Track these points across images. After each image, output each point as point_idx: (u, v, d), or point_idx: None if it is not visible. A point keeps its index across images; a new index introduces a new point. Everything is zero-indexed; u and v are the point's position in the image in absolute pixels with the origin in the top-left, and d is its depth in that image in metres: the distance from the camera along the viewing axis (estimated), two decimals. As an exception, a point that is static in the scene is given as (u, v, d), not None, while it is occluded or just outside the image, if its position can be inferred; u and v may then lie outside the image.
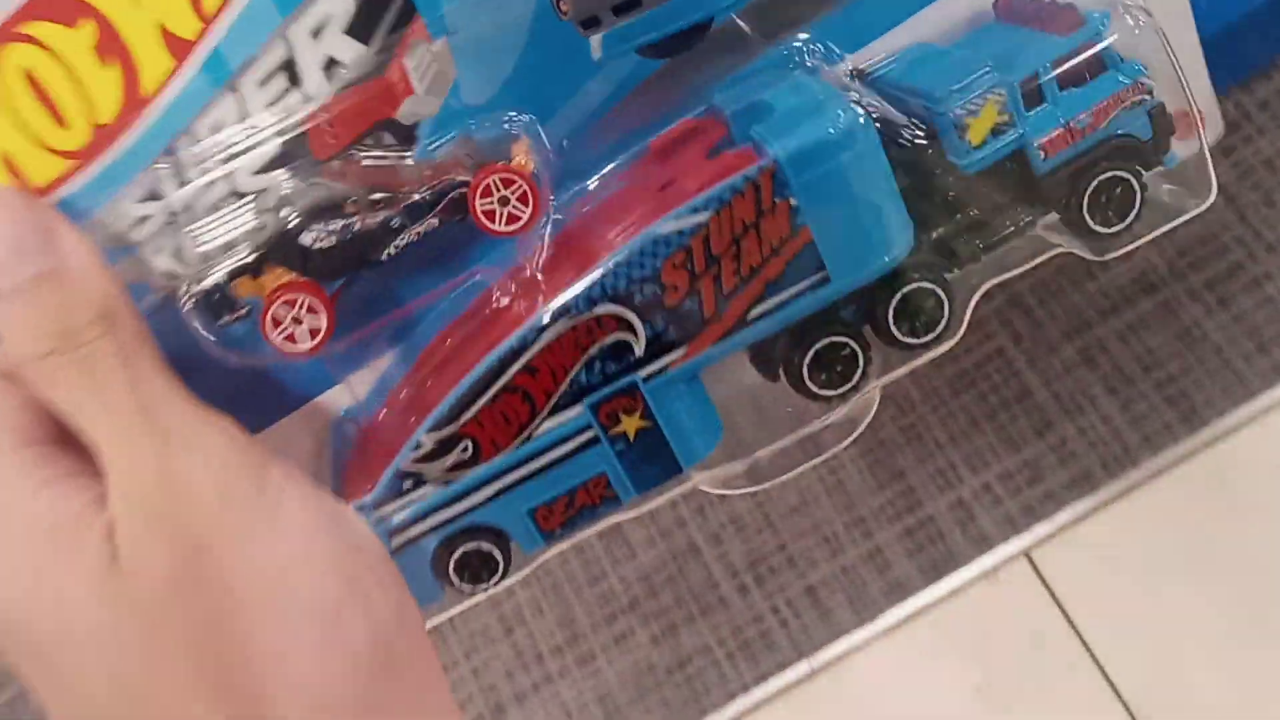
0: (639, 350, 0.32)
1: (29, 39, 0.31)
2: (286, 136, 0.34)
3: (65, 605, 0.27)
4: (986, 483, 0.80)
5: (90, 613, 0.27)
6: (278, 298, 0.31)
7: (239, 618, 0.26)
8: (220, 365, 0.34)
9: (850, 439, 0.44)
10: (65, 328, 0.28)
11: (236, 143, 0.33)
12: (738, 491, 0.39)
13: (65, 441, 0.30)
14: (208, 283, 0.32)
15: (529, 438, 0.30)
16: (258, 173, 0.33)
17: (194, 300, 0.33)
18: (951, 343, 0.45)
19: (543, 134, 0.37)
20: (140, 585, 0.27)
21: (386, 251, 0.32)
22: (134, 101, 0.33)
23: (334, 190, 0.32)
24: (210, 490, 0.27)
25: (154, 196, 0.33)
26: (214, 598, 0.26)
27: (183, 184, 0.33)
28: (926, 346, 0.42)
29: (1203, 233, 0.81)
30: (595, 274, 0.32)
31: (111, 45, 0.32)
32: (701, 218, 0.34)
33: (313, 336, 0.31)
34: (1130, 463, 0.78)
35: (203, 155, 0.33)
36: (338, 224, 0.31)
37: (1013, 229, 0.44)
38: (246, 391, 0.34)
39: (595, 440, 0.31)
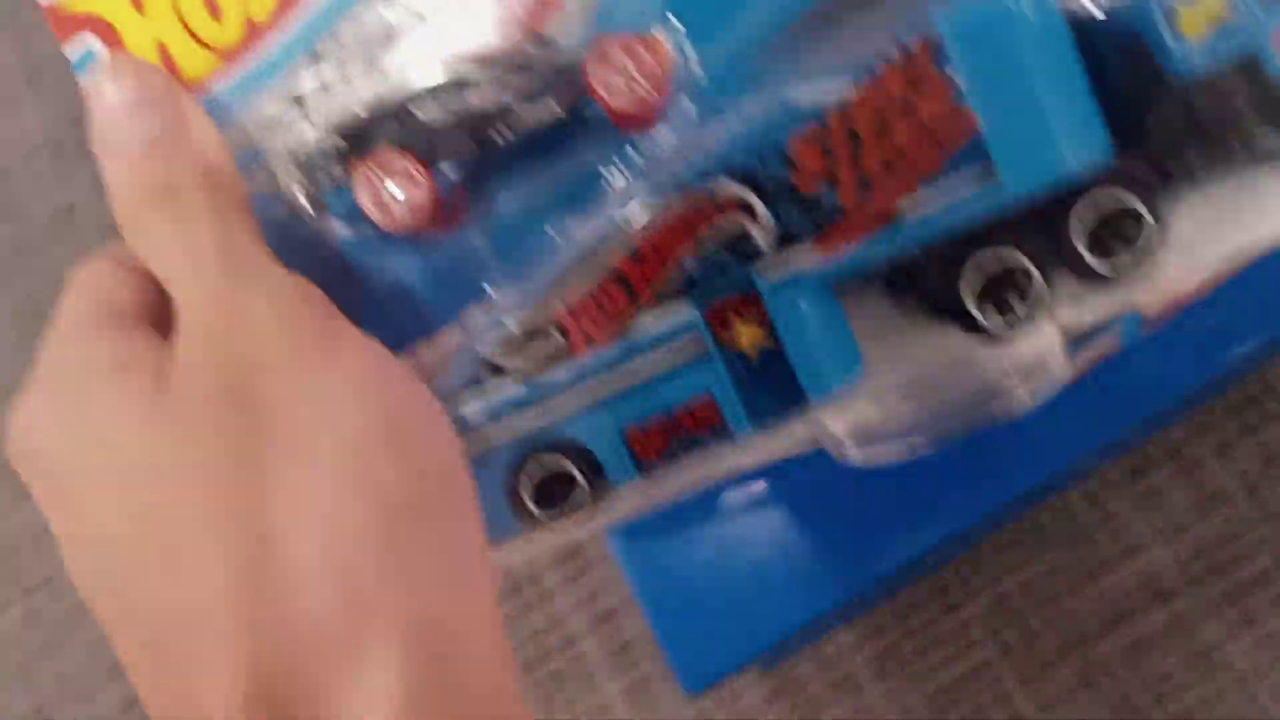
0: (762, 242, 0.26)
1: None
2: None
3: (105, 429, 0.27)
4: (969, 840, 0.68)
5: (127, 434, 0.27)
6: (376, 164, 0.29)
7: (271, 445, 0.25)
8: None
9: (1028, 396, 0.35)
10: (168, 183, 0.29)
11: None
12: (882, 455, 0.34)
13: (158, 324, 0.30)
14: (319, 142, 0.31)
15: (627, 336, 0.26)
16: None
17: (300, 160, 0.31)
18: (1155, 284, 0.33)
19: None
20: (182, 404, 0.26)
21: (502, 134, 0.29)
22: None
23: (460, 70, 0.30)
24: (272, 323, 0.27)
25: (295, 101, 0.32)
26: (250, 421, 0.26)
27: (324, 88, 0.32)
28: (1120, 279, 0.33)
29: (1222, 531, 0.69)
30: (715, 142, 0.27)
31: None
32: (842, 86, 0.28)
33: (412, 206, 0.28)
34: (1141, 826, 0.66)
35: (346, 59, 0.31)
36: (456, 101, 0.30)
37: (1247, 149, 0.33)
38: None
39: (704, 350, 0.26)
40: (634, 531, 0.59)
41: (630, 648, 0.77)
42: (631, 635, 0.77)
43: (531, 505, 0.29)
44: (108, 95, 0.31)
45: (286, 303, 0.28)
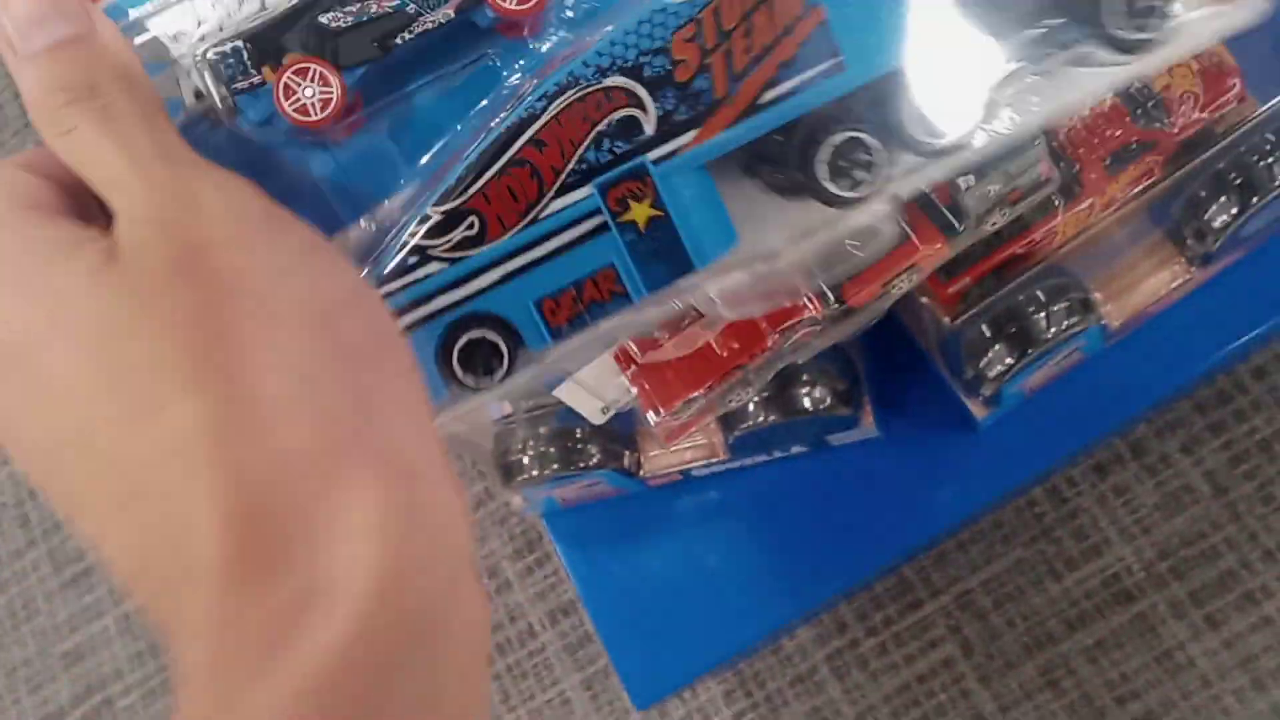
0: (649, 129, 0.30)
1: None
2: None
3: (56, 299, 0.27)
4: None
5: (81, 301, 0.27)
6: (290, 68, 0.30)
7: (231, 307, 0.26)
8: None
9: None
10: (86, 81, 0.30)
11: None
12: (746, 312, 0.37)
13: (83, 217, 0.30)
14: (227, 46, 0.32)
15: (536, 219, 0.29)
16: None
17: (210, 62, 0.32)
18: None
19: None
20: (136, 273, 0.27)
21: (402, 36, 0.31)
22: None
23: None
24: (218, 205, 0.28)
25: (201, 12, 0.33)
26: (209, 287, 0.27)
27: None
28: (949, 150, 0.35)
29: (1187, 530, 0.68)
30: (603, 41, 0.30)
31: None
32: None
33: (324, 107, 0.30)
34: (1098, 830, 0.65)
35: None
36: (356, 6, 0.31)
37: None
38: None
39: (604, 227, 0.29)
40: (584, 547, 0.58)
41: (590, 640, 0.76)
42: (591, 628, 0.76)
43: (460, 373, 0.31)
44: (14, 4, 0.31)
45: (229, 188, 0.29)
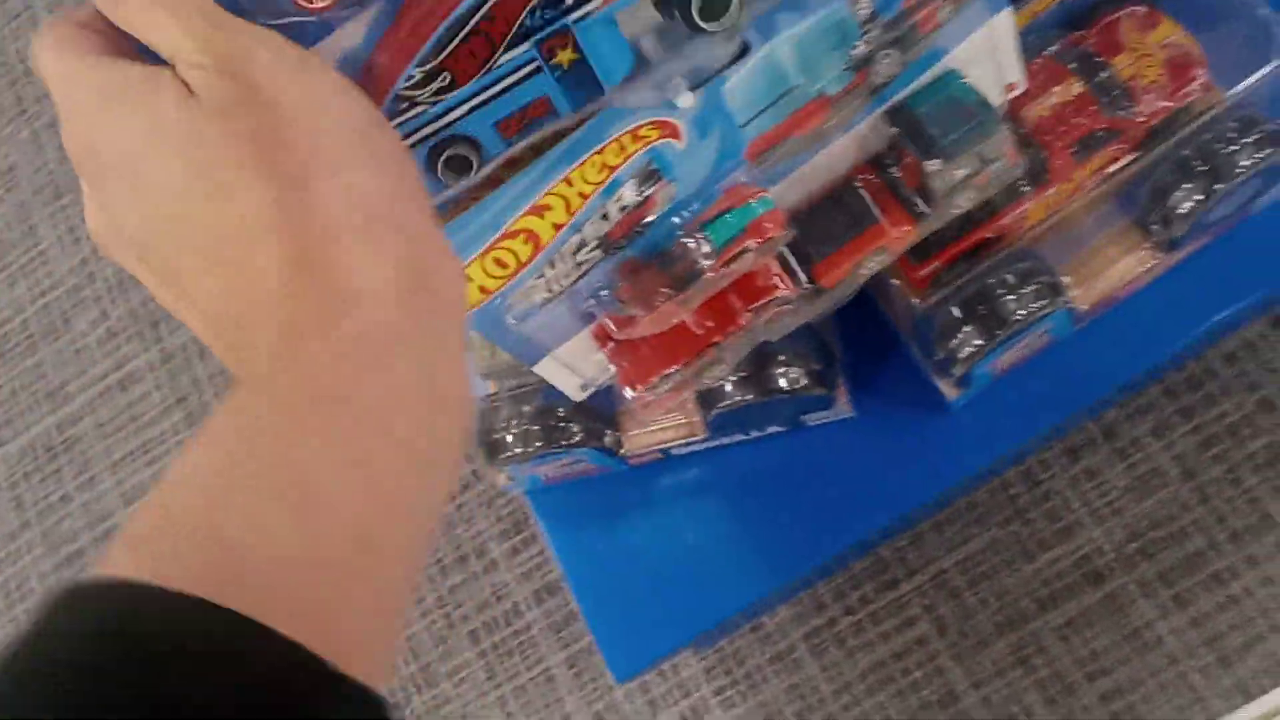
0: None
1: None
2: None
3: (152, 121, 0.33)
4: (899, 813, 0.69)
5: (171, 123, 0.33)
6: None
7: (287, 126, 0.33)
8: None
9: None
10: None
11: None
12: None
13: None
14: None
15: (491, 69, 0.36)
16: None
17: None
18: None
19: None
20: (210, 104, 0.33)
21: None
22: None
23: None
24: (264, 53, 0.34)
25: None
26: (269, 113, 0.33)
27: None
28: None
29: (1157, 513, 0.69)
30: None
31: None
32: None
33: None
34: (1067, 801, 0.67)
35: None
36: None
37: None
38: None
39: (539, 69, 0.36)
40: (567, 524, 0.59)
41: (574, 618, 0.78)
42: (575, 606, 0.77)
43: (443, 175, 0.38)
44: None
45: (267, 38, 0.34)
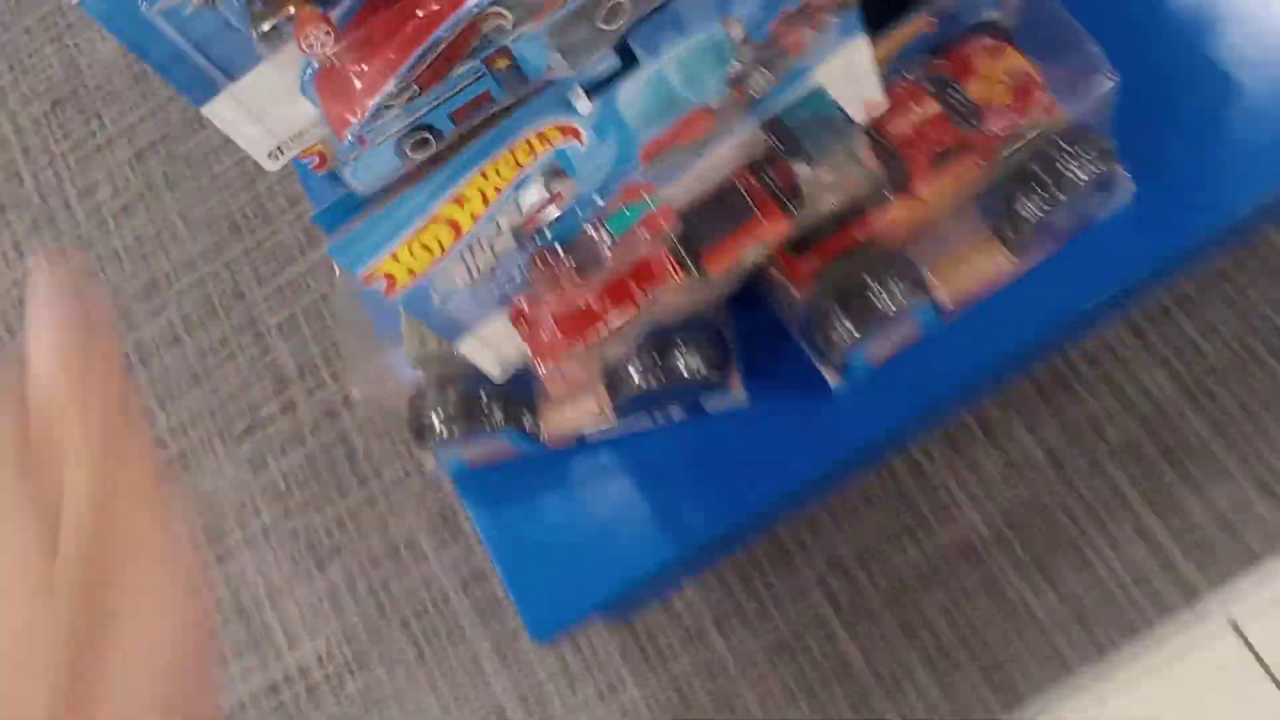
0: (509, 27, 0.39)
1: None
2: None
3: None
4: (798, 771, 0.75)
5: (18, 582, 0.34)
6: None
7: (110, 627, 0.34)
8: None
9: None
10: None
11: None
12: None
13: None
14: None
15: (448, 79, 0.40)
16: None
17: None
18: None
19: None
20: (59, 577, 0.34)
21: None
22: None
23: None
24: (132, 540, 0.36)
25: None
26: (98, 612, 0.34)
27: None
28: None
29: (1029, 498, 0.76)
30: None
31: None
32: None
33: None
34: (948, 753, 0.73)
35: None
36: None
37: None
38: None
39: (483, 75, 0.40)
40: (490, 503, 0.65)
41: (499, 605, 0.83)
42: (500, 594, 0.83)
43: (413, 154, 0.42)
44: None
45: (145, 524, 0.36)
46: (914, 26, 0.56)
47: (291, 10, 0.34)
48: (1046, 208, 0.58)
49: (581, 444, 0.66)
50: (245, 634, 0.87)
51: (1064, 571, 0.75)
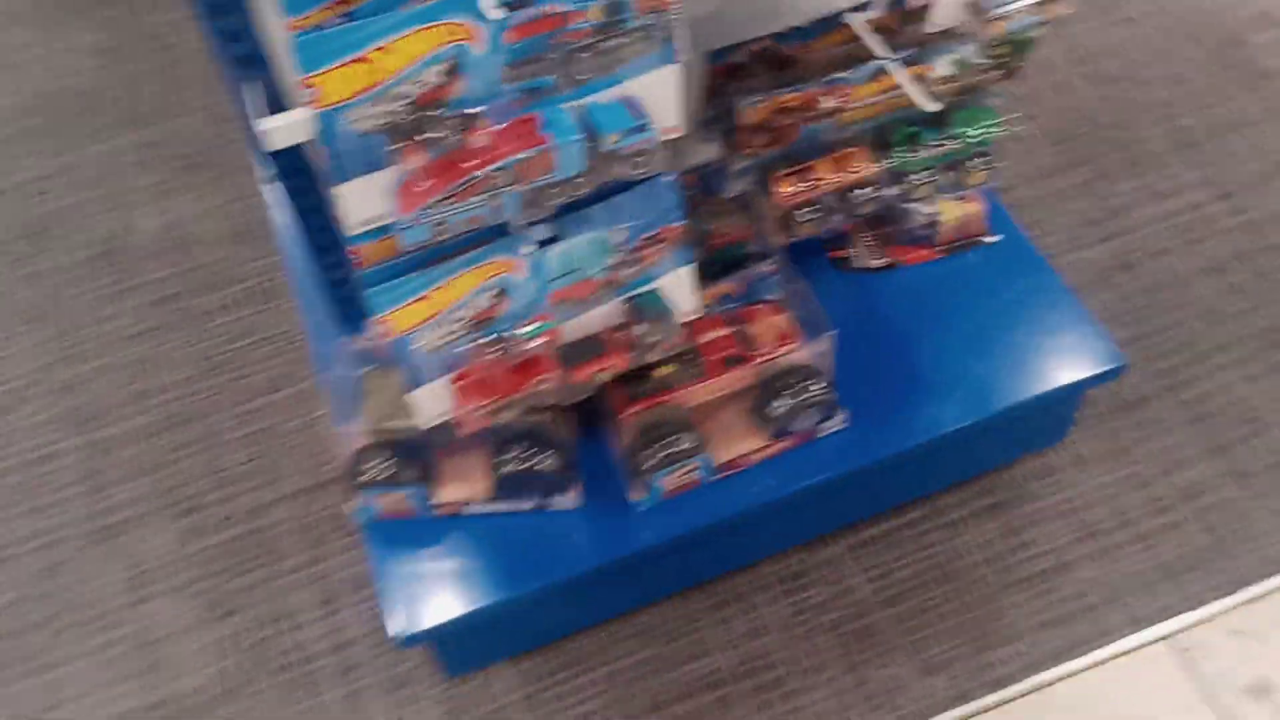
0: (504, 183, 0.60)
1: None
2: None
3: None
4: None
5: None
6: None
7: None
8: None
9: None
10: None
11: None
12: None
13: None
14: None
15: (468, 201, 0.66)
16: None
17: None
18: None
19: None
20: None
21: None
22: None
23: None
24: None
25: None
26: None
27: None
28: None
29: (759, 650, 1.06)
30: None
31: None
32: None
33: None
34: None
35: None
36: None
37: None
38: None
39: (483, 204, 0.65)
40: (386, 541, 0.93)
41: (358, 666, 1.07)
42: (362, 657, 1.07)
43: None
44: None
45: None
46: (729, 286, 0.94)
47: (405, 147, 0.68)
48: (786, 412, 0.93)
49: (457, 515, 0.95)
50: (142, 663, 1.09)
51: (777, 708, 1.03)
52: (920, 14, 0.84)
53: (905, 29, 0.88)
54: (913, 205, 1.03)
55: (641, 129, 0.72)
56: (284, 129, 0.85)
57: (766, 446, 0.95)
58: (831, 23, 0.89)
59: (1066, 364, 1.02)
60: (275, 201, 1.23)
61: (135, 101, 1.54)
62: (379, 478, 0.91)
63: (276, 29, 0.82)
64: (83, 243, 1.40)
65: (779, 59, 0.90)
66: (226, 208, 1.42)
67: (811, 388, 0.93)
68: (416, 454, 0.92)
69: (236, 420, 1.23)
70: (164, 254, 1.38)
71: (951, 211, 1.06)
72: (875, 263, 1.07)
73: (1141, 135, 1.39)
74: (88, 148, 1.50)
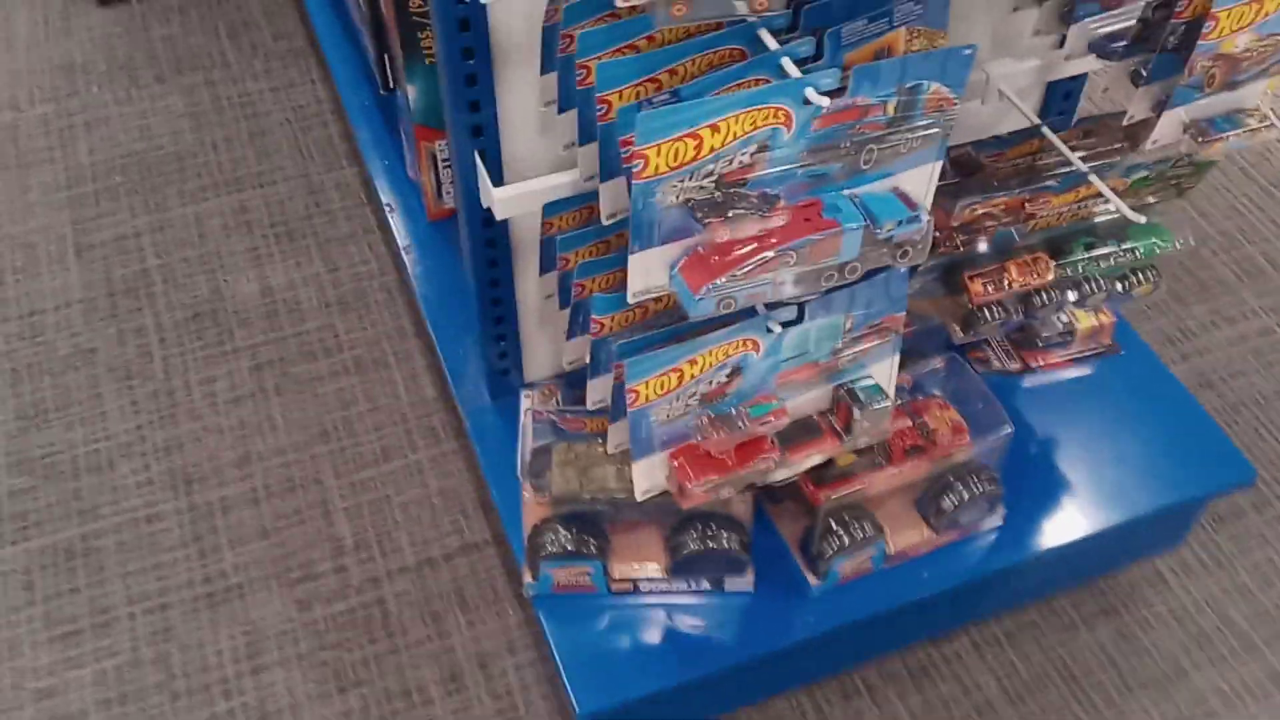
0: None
1: None
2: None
3: None
4: None
5: None
6: None
7: None
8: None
9: None
10: None
11: None
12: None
13: None
14: None
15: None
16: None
17: None
18: None
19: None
20: None
21: None
22: None
23: None
24: None
25: None
26: None
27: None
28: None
29: (895, 743, 1.07)
30: None
31: None
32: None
33: None
34: None
35: None
36: None
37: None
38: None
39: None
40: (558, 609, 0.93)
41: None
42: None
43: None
44: None
45: None
46: (902, 378, 0.97)
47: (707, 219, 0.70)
48: (954, 507, 0.96)
49: (633, 591, 0.95)
50: (263, 732, 1.05)
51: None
52: (1115, 130, 0.90)
53: (1084, 143, 0.93)
54: (1056, 313, 1.08)
55: (915, 219, 0.75)
56: (512, 200, 0.87)
57: (936, 538, 0.97)
58: (1029, 134, 0.94)
59: (1199, 472, 1.07)
60: (415, 270, 1.24)
61: (224, 166, 1.54)
62: (562, 550, 0.91)
63: (513, 104, 0.85)
64: (179, 303, 1.38)
65: (967, 163, 0.95)
66: (325, 277, 1.41)
67: (984, 483, 0.96)
68: (594, 529, 0.93)
69: (348, 489, 1.22)
70: (263, 319, 1.37)
71: (1086, 321, 1.11)
72: (1013, 366, 1.11)
73: (1208, 262, 1.48)
74: (176, 209, 1.48)
